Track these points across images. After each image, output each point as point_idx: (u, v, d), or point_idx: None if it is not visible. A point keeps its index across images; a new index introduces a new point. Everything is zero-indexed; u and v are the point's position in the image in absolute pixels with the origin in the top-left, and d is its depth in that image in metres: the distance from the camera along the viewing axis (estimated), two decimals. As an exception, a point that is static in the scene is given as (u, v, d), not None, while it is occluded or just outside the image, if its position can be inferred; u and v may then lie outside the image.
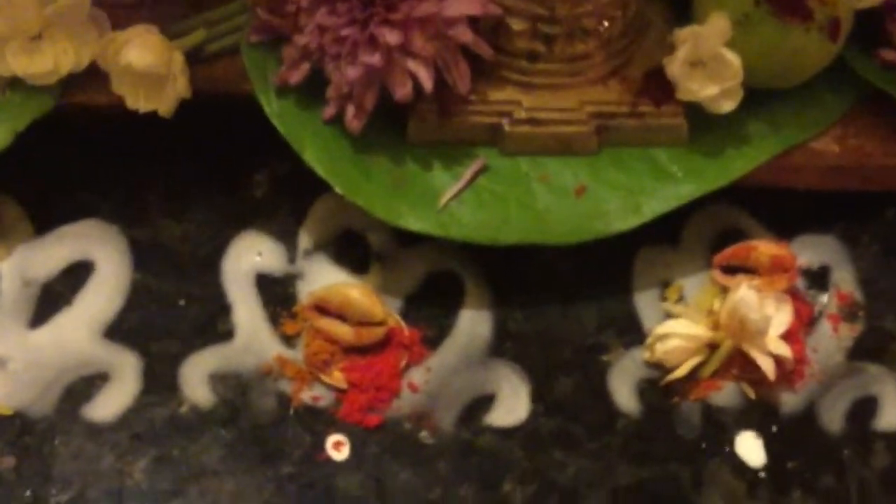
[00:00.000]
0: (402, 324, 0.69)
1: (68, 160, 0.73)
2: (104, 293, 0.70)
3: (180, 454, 0.65)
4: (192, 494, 0.64)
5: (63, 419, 0.66)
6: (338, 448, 0.66)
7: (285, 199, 0.73)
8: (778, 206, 0.73)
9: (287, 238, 0.72)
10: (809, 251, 0.73)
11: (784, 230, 0.73)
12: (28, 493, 0.64)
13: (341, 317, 0.68)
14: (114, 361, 0.67)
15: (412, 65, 0.66)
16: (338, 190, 0.68)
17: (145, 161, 0.74)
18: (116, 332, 0.69)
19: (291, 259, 0.71)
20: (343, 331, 0.68)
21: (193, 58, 0.70)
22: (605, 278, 0.71)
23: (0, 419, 0.65)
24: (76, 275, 0.70)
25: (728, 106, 0.69)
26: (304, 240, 0.72)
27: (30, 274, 0.70)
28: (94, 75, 0.69)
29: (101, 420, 0.66)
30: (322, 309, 0.68)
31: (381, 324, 0.68)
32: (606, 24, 0.69)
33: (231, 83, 0.71)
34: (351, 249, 0.72)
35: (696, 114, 0.69)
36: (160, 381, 0.67)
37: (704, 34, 0.67)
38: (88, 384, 0.67)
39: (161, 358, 0.68)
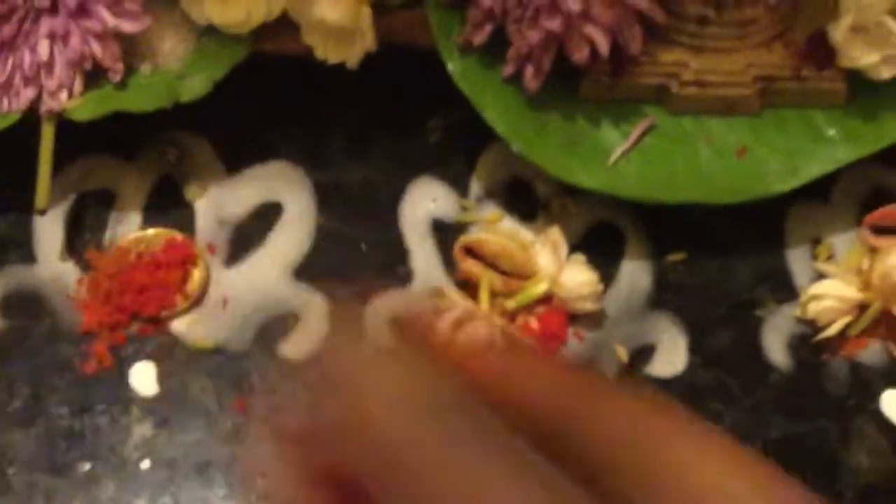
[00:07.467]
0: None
1: (257, 103, 0.76)
2: (292, 235, 0.73)
3: (367, 390, 0.69)
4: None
5: (260, 356, 0.69)
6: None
7: (457, 146, 0.76)
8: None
9: (459, 185, 0.75)
10: (960, 212, 0.74)
11: (935, 191, 0.75)
12: (229, 423, 0.68)
13: (494, 265, 0.70)
14: (303, 302, 0.71)
15: (591, 30, 0.68)
16: (515, 149, 0.71)
17: (328, 105, 0.76)
18: (304, 273, 0.72)
19: (464, 206, 0.75)
20: (492, 277, 0.70)
21: (376, 8, 0.72)
22: (758, 235, 0.74)
23: (202, 353, 0.70)
24: (266, 216, 0.73)
25: (888, 73, 0.70)
26: (476, 187, 0.75)
27: (223, 213, 0.74)
28: (284, 24, 0.71)
29: (294, 358, 0.69)
30: (473, 252, 0.71)
31: (530, 277, 0.70)
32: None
33: (412, 36, 0.73)
34: (519, 198, 0.75)
35: (854, 77, 0.71)
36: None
37: (869, 2, 0.69)
38: (281, 323, 0.70)
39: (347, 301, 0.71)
